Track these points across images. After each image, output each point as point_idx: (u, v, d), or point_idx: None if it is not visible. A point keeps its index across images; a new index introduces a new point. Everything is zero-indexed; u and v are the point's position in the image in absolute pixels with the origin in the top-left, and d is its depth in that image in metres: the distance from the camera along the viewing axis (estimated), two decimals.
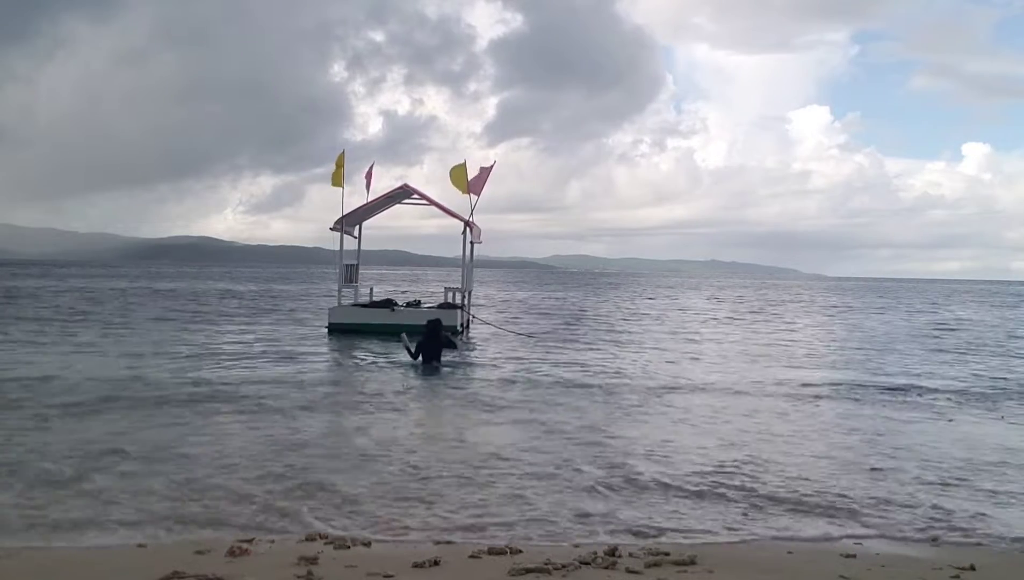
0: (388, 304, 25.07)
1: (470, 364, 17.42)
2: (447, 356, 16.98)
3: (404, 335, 17.39)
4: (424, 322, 17.51)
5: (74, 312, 30.19)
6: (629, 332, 27.72)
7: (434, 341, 16.52)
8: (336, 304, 25.39)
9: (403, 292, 39.87)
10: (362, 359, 17.89)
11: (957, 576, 5.16)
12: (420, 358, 16.43)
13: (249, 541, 5.57)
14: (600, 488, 7.50)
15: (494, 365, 17.22)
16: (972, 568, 5.29)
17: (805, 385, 14.87)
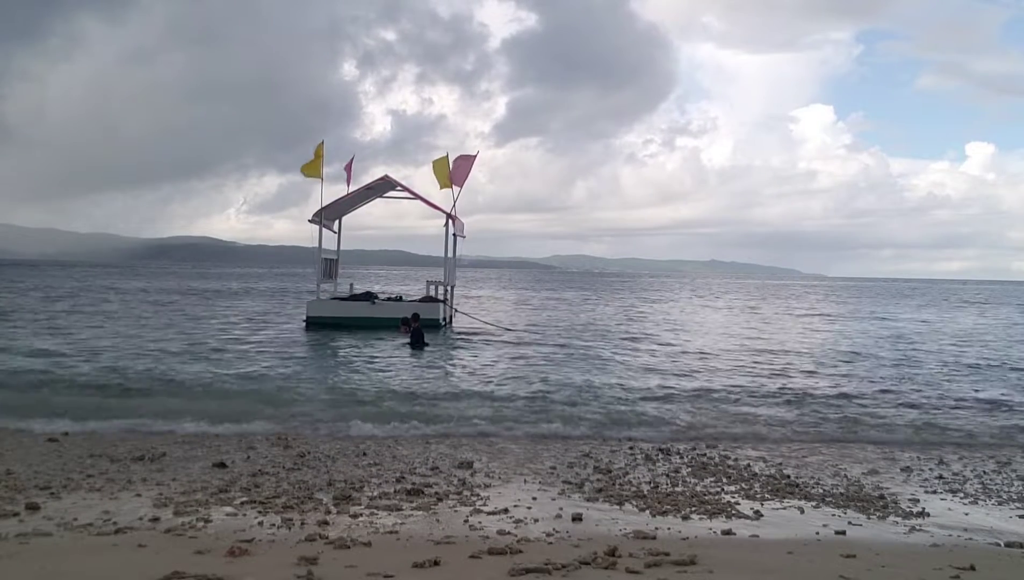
0: (368, 297, 24.72)
1: (450, 356, 18.76)
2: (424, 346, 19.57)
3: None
4: (405, 315, 20.98)
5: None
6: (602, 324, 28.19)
7: (418, 335, 20.29)
8: (316, 297, 24.95)
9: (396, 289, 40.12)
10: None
11: (957, 576, 5.16)
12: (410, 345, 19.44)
13: (249, 541, 5.57)
14: (598, 487, 7.51)
15: (475, 352, 18.72)
16: (972, 568, 5.28)
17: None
